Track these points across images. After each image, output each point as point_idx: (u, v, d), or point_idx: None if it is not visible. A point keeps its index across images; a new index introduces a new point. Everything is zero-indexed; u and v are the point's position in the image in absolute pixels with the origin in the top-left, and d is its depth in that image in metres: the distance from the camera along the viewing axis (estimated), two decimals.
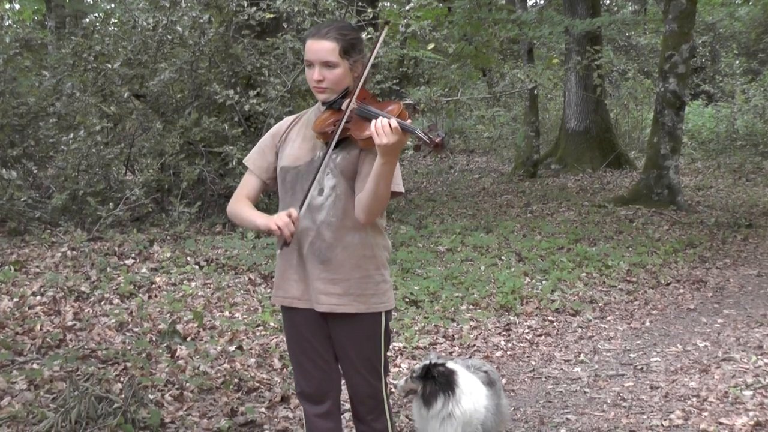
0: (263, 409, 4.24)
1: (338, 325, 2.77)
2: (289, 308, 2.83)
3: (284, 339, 5.31)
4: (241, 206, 2.85)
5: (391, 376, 4.51)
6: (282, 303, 2.84)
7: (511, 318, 6.22)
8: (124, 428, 3.71)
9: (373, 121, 2.51)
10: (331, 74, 2.69)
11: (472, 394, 3.35)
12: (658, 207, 11.03)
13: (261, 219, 2.73)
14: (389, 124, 2.47)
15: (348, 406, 3.28)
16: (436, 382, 3.32)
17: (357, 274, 2.73)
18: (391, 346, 4.97)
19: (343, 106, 2.68)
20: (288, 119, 2.94)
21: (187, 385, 4.38)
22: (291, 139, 2.84)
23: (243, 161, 2.92)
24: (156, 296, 6.06)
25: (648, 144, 12.37)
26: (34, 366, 4.42)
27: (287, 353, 4.99)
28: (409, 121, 2.54)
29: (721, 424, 4.10)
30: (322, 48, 2.67)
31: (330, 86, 2.70)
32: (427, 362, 3.39)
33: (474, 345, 5.59)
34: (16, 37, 9.03)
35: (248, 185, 2.89)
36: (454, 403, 3.30)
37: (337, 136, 2.64)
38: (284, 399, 4.39)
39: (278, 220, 2.62)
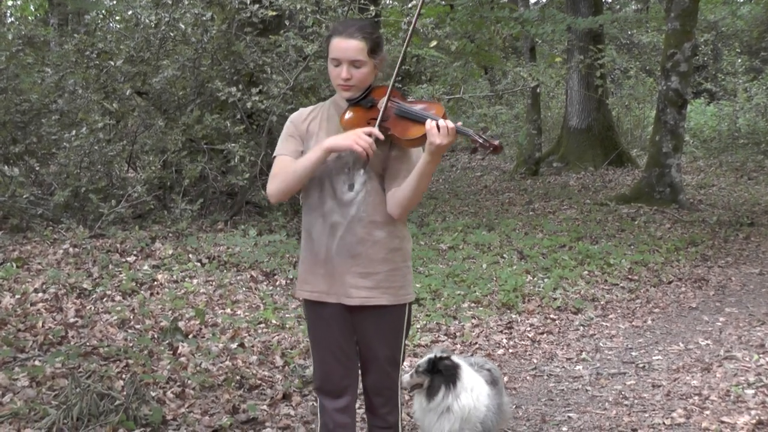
0: (265, 407, 4.24)
1: (366, 318, 2.79)
2: (316, 302, 2.83)
3: (285, 336, 5.36)
4: (286, 169, 2.73)
5: None
6: (309, 297, 2.84)
7: (513, 316, 6.23)
8: (126, 425, 3.71)
9: (429, 122, 2.56)
10: (358, 73, 2.72)
11: (473, 391, 3.36)
12: (660, 205, 11.03)
13: (329, 142, 2.65)
14: (447, 126, 2.53)
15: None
16: (442, 375, 3.33)
17: (386, 267, 2.76)
18: None
19: (380, 105, 2.71)
20: (304, 111, 2.90)
21: (189, 382, 4.38)
22: (313, 134, 2.82)
23: (274, 154, 2.84)
24: (158, 293, 6.07)
25: (650, 142, 12.36)
26: (36, 363, 4.42)
27: (289, 351, 5.05)
28: (459, 123, 2.59)
29: (722, 422, 4.09)
30: (350, 47, 2.70)
31: (356, 84, 2.74)
32: (432, 356, 3.39)
33: (476, 343, 5.59)
34: (19, 34, 9.01)
35: (285, 163, 2.77)
36: (453, 398, 3.31)
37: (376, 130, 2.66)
38: (286, 396, 4.39)
39: (360, 141, 2.60)
